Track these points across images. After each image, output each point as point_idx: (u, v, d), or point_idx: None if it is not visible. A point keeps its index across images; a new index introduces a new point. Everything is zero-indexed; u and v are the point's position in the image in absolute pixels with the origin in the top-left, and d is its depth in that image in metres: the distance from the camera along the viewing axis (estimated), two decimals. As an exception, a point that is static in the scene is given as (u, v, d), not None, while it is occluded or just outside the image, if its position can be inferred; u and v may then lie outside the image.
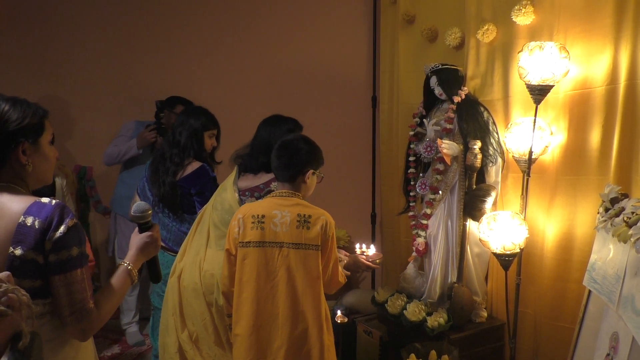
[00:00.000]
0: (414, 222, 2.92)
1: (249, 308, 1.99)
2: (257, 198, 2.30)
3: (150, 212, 1.57)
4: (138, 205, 1.56)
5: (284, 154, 2.04)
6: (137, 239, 1.55)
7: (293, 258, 1.99)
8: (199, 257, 2.32)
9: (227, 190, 2.35)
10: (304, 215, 2.00)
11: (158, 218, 2.65)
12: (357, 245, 2.63)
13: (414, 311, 2.64)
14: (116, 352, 3.48)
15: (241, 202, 2.30)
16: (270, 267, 1.99)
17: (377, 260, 2.55)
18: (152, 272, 1.64)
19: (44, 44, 4.08)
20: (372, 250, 2.60)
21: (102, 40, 4.04)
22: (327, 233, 2.01)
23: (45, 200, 1.32)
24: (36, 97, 4.32)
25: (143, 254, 1.54)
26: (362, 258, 2.50)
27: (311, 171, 2.06)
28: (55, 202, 1.32)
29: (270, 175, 2.31)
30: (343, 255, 2.49)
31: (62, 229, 1.29)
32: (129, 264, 1.49)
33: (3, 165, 1.33)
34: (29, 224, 1.27)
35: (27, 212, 1.28)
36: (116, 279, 1.46)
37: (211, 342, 2.28)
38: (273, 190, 2.22)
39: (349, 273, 2.32)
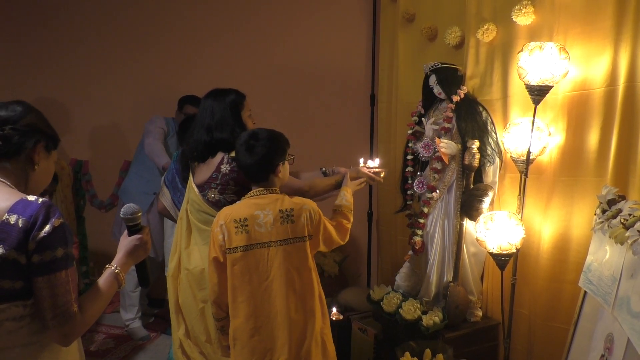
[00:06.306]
0: (410, 221, 2.92)
1: (246, 312, 1.98)
2: (215, 188, 2.27)
3: (140, 214, 1.52)
4: (128, 207, 1.50)
5: (247, 161, 2.02)
6: (126, 242, 1.50)
7: (283, 254, 1.98)
8: (186, 254, 2.35)
9: (192, 191, 2.34)
10: (286, 209, 1.99)
11: None
12: (362, 160, 2.61)
13: (409, 310, 2.64)
14: (110, 346, 3.47)
15: (204, 197, 2.29)
16: (262, 268, 1.98)
17: (382, 174, 2.53)
18: (141, 275, 1.60)
19: (41, 40, 4.08)
20: (375, 163, 2.57)
21: (99, 37, 4.04)
22: (313, 220, 2.02)
23: (31, 198, 1.28)
24: (34, 91, 4.35)
25: (132, 257, 1.49)
26: (364, 169, 2.52)
27: (280, 164, 2.05)
28: (42, 201, 1.28)
29: (218, 157, 2.28)
30: (343, 169, 2.53)
31: (47, 228, 1.25)
32: (116, 267, 1.45)
33: (15, 155, 1.34)
34: (12, 222, 1.23)
35: (12, 210, 1.25)
36: (102, 283, 1.41)
37: (203, 340, 2.31)
38: (226, 174, 2.23)
39: (360, 185, 2.41)
